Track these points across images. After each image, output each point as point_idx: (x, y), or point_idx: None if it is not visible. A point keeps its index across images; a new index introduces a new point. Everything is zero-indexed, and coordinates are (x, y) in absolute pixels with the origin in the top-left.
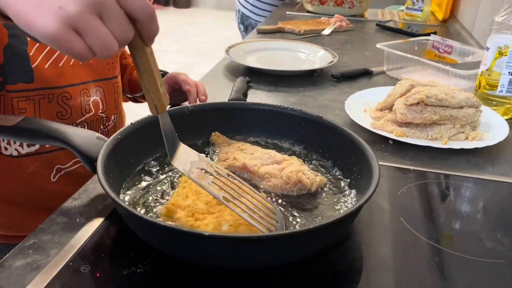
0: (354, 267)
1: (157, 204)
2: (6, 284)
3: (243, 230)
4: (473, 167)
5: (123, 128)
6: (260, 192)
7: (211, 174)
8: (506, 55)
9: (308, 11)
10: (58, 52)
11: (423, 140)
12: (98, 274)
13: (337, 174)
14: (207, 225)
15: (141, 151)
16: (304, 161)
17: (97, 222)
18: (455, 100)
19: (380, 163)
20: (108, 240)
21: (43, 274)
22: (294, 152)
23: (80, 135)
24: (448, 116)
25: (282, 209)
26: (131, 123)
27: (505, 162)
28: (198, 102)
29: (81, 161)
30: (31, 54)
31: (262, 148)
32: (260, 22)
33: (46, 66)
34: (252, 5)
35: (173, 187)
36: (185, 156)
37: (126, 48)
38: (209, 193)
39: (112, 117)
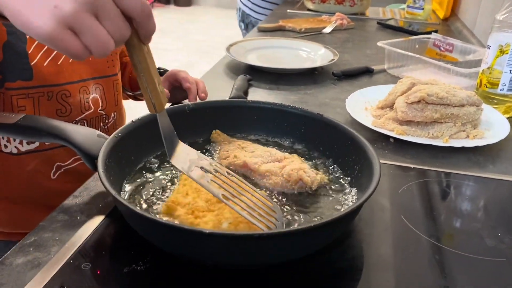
0: (355, 265)
1: (158, 201)
2: (6, 282)
3: (243, 228)
4: (474, 165)
5: (124, 126)
6: (260, 190)
7: (210, 173)
8: (507, 53)
9: (309, 9)
10: None
11: (424, 138)
12: (98, 272)
13: (337, 172)
14: (206, 223)
15: (142, 148)
16: (304, 159)
17: (97, 220)
18: (456, 98)
19: (381, 161)
20: (109, 237)
21: (44, 271)
22: (294, 150)
23: (81, 133)
24: (449, 114)
25: (283, 207)
26: (132, 121)
27: (506, 161)
28: (198, 100)
29: (82, 159)
30: (30, 51)
31: (263, 146)
32: (261, 20)
33: (45, 64)
34: (252, 3)
35: (173, 185)
36: (184, 155)
37: None
38: (209, 191)
39: (112, 115)
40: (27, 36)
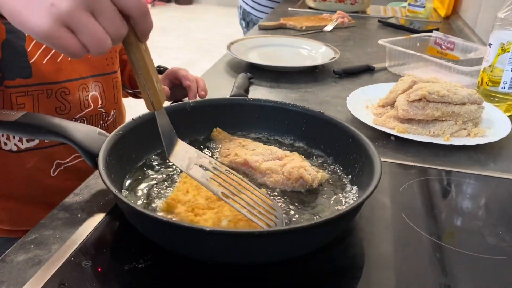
0: (356, 263)
1: (158, 199)
2: (7, 279)
3: (242, 226)
4: (475, 163)
5: (124, 124)
6: (260, 188)
7: (209, 171)
8: (508, 51)
9: (310, 8)
10: None
11: (425, 136)
12: (99, 269)
13: (338, 170)
14: (206, 221)
15: (142, 146)
16: (305, 157)
17: (98, 218)
18: (457, 96)
19: (381, 159)
20: (110, 235)
21: (45, 269)
22: (295, 148)
23: (82, 131)
24: (450, 112)
25: (283, 205)
26: (132, 118)
27: (507, 159)
28: (197, 98)
29: (82, 157)
30: (29, 49)
31: (264, 144)
32: (262, 18)
33: (44, 62)
34: (254, 1)
35: (174, 182)
36: (183, 153)
37: None
38: (207, 189)
39: (112, 112)
40: (26, 34)
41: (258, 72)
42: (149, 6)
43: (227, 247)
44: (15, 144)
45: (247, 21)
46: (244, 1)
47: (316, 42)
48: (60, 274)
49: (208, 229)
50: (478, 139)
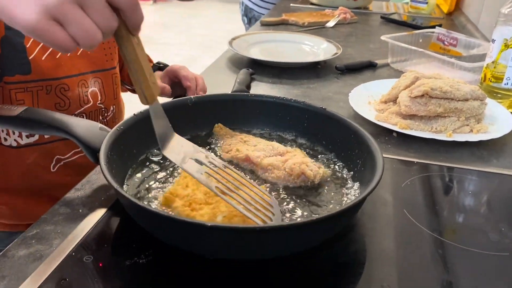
0: (357, 259)
1: (159, 194)
2: (9, 274)
3: (237, 222)
4: (477, 160)
5: (126, 119)
6: (262, 184)
7: (205, 165)
8: None
9: (312, 3)
10: None
11: (427, 132)
12: (100, 265)
13: (340, 166)
14: (202, 216)
15: (143, 141)
16: (307, 153)
17: (100, 213)
18: (460, 92)
19: (384, 155)
20: (111, 230)
21: (46, 264)
22: (297, 144)
23: (83, 126)
24: (452, 108)
25: (285, 201)
26: (133, 114)
27: (510, 155)
28: None
29: (83, 152)
30: (28, 45)
31: (265, 140)
32: (264, 14)
33: (43, 58)
34: None
35: (175, 177)
36: (178, 147)
37: None
38: (201, 183)
39: (111, 108)
40: None
41: (260, 68)
42: (151, 2)
43: (228, 242)
44: (15, 140)
45: (249, 17)
46: None
47: (318, 38)
48: (61, 269)
49: (209, 225)
50: (481, 135)
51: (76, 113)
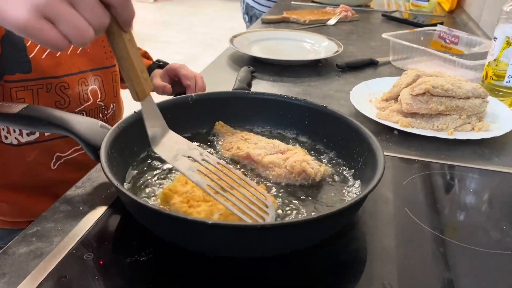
0: (358, 257)
1: (160, 191)
2: (9, 271)
3: (232, 219)
4: (479, 158)
5: (126, 117)
6: (262, 181)
7: (199, 163)
8: None
9: (313, 1)
10: None
11: (428, 130)
12: (101, 262)
13: (341, 164)
14: (199, 213)
15: (144, 139)
16: (308, 151)
17: (100, 211)
18: (461, 90)
19: (385, 153)
20: (111, 228)
21: (46, 261)
22: (298, 142)
23: (83, 123)
24: (454, 106)
25: (285, 198)
26: (134, 111)
27: (511, 153)
28: None
29: (84, 149)
30: (28, 44)
31: (266, 138)
32: (264, 12)
33: (43, 56)
34: None
35: (176, 174)
36: (171, 143)
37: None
38: (192, 181)
39: (111, 106)
40: None
41: (260, 66)
42: (152, 0)
43: (229, 240)
44: (15, 138)
45: (250, 15)
46: None
47: (319, 35)
48: (61, 267)
49: (210, 222)
50: (482, 134)
51: (76, 111)
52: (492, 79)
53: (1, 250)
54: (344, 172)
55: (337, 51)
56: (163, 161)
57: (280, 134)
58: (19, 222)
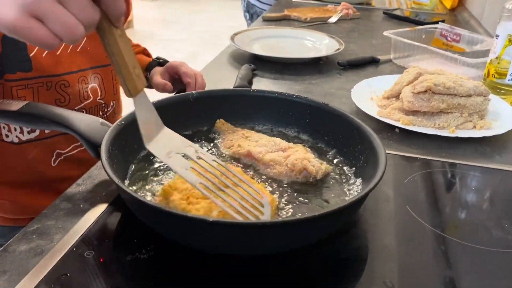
0: (359, 255)
1: (160, 189)
2: (10, 269)
3: (230, 217)
4: (480, 156)
5: (127, 114)
6: (262, 180)
7: (193, 160)
8: None
9: None
10: None
11: (430, 128)
12: (101, 260)
13: (342, 162)
14: (198, 210)
15: None
16: (309, 148)
17: (101, 208)
18: (463, 88)
19: (386, 151)
20: (112, 226)
21: (47, 259)
22: (299, 139)
23: (84, 121)
24: (456, 104)
25: (287, 196)
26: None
27: None
28: None
29: (84, 147)
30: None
31: (267, 135)
32: (265, 10)
33: (43, 55)
34: None
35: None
36: (165, 141)
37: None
38: (184, 179)
39: (111, 103)
40: None
41: (261, 64)
42: None
43: (229, 238)
44: (16, 136)
45: (251, 13)
46: None
47: (320, 33)
48: (62, 264)
49: (210, 220)
50: (484, 132)
51: (76, 108)
52: (494, 77)
53: (2, 248)
54: (345, 170)
55: (338, 49)
56: None
57: (281, 132)
58: (21, 219)
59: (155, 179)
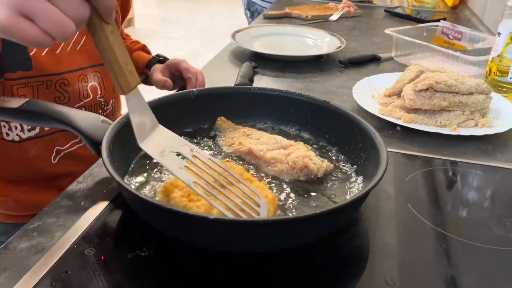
0: (361, 253)
1: (161, 186)
2: (10, 266)
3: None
4: (482, 154)
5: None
6: (263, 178)
7: (188, 159)
8: None
9: None
10: None
11: (431, 126)
12: (102, 257)
13: (344, 160)
14: (199, 207)
15: None
16: (310, 146)
17: (101, 206)
18: (464, 86)
19: (387, 149)
20: (113, 223)
21: (48, 256)
22: (300, 137)
23: (85, 118)
24: (457, 102)
25: (288, 194)
26: None
27: None
28: None
29: (85, 144)
30: None
31: (268, 133)
32: (266, 8)
33: (43, 54)
34: None
35: None
36: (159, 139)
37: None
38: (178, 177)
39: (111, 102)
40: None
41: (262, 61)
42: None
43: (230, 235)
44: (17, 135)
45: (252, 11)
46: None
47: (321, 31)
48: (63, 262)
49: (211, 217)
50: (486, 130)
51: (75, 107)
52: (496, 75)
53: (2, 245)
54: (347, 168)
55: (340, 47)
56: None
57: (282, 129)
58: (24, 216)
59: (156, 176)
